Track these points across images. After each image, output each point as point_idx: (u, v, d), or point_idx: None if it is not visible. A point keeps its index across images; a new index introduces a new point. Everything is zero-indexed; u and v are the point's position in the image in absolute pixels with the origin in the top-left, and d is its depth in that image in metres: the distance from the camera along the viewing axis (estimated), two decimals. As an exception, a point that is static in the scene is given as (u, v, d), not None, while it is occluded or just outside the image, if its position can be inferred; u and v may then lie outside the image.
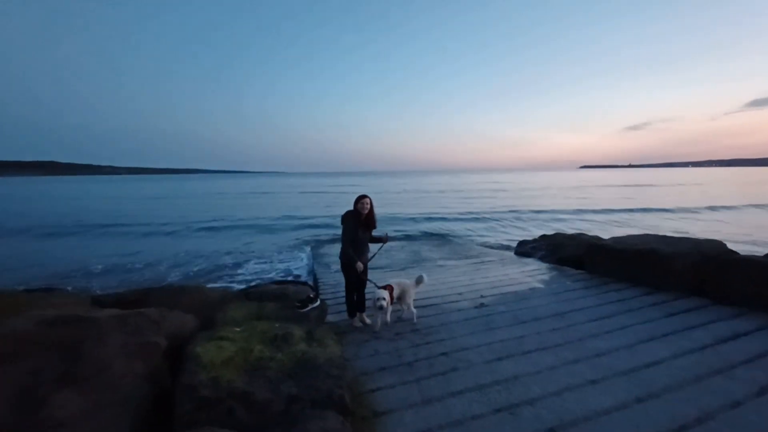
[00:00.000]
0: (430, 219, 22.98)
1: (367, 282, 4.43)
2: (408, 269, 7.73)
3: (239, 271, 10.89)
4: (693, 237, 6.82)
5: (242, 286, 7.21)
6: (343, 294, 4.59)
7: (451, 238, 15.60)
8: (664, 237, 7.00)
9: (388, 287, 4.34)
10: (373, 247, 4.59)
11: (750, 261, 4.86)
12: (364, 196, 4.31)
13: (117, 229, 20.08)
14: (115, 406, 2.41)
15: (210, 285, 8.13)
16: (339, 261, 4.44)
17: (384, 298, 4.13)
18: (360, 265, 4.25)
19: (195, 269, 11.19)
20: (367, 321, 4.53)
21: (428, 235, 16.32)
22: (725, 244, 6.09)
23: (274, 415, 2.38)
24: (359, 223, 4.28)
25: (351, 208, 4.32)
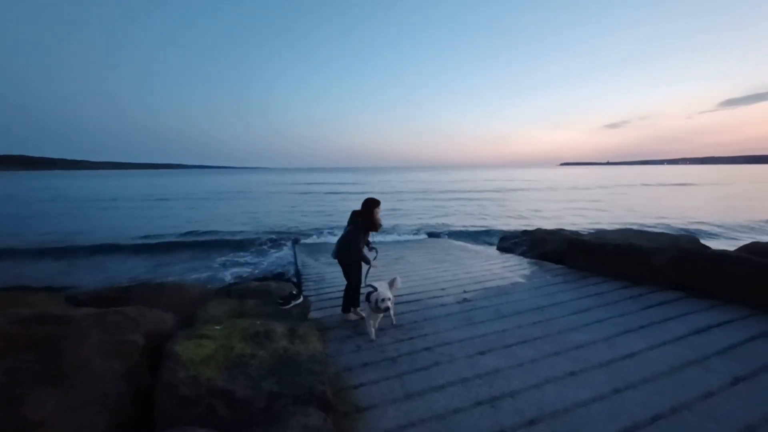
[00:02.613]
0: (414, 215, 23.06)
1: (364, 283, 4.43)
2: (391, 265, 7.73)
3: (220, 269, 10.68)
4: (669, 233, 7.03)
5: (223, 284, 7.10)
6: (328, 290, 4.59)
7: (434, 234, 15.69)
8: (642, 232, 7.20)
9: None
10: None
11: (722, 255, 5.04)
12: (377, 203, 4.41)
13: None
14: (93, 405, 2.38)
15: (190, 283, 7.97)
16: (344, 258, 4.45)
17: (390, 299, 3.90)
18: (375, 263, 4.49)
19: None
20: (363, 314, 4.55)
21: (412, 231, 16.38)
22: (699, 239, 6.30)
23: (256, 412, 2.35)
24: (369, 229, 4.45)
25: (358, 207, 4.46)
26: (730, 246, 6.37)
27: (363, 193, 40.12)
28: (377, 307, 3.83)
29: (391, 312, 3.97)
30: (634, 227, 10.44)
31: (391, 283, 4.45)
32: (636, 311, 4.55)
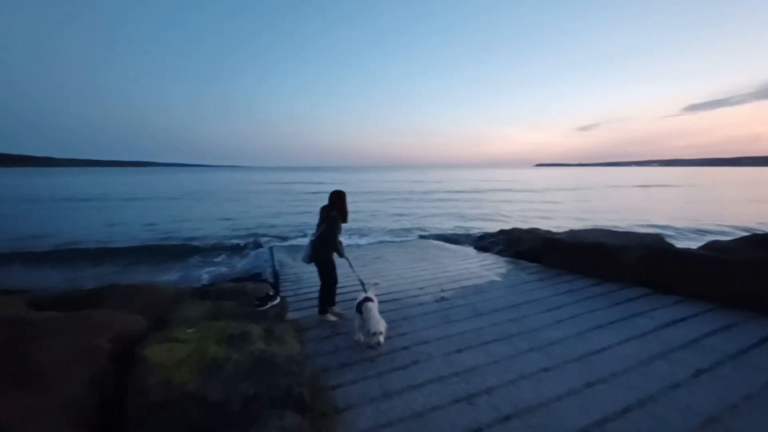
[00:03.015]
0: (393, 215, 23.12)
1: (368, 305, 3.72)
2: (369, 265, 7.73)
3: (195, 270, 10.36)
4: (637, 232, 7.31)
5: (198, 285, 6.90)
6: (305, 290, 4.53)
7: (413, 233, 15.78)
8: (612, 231, 7.47)
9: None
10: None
11: (686, 253, 5.29)
12: (345, 195, 4.38)
13: None
14: (58, 412, 2.29)
15: (163, 284, 7.70)
16: (320, 257, 4.35)
17: (382, 332, 3.45)
18: (347, 256, 4.46)
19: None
20: (339, 312, 4.58)
21: (391, 231, 16.42)
22: (664, 238, 6.58)
23: (231, 415, 2.29)
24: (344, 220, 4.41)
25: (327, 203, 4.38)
26: (693, 244, 6.68)
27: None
28: (367, 335, 3.46)
29: (381, 340, 3.44)
30: (605, 227, 10.82)
31: (373, 289, 4.32)
32: (606, 307, 4.70)
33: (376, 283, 4.48)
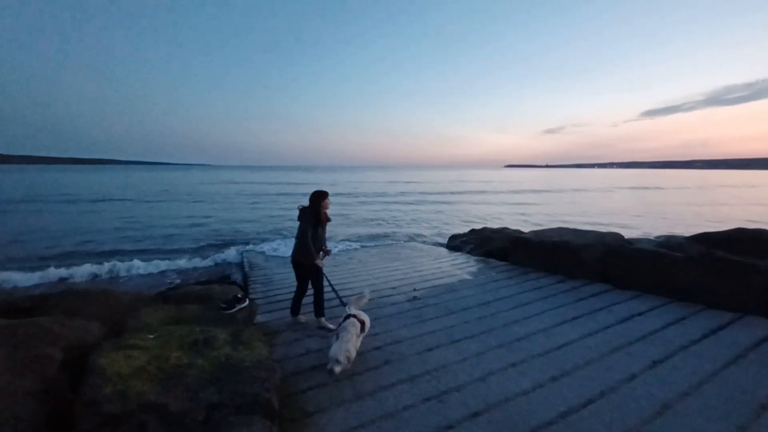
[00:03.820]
0: (367, 216, 23.08)
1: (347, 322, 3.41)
2: (342, 266, 7.67)
3: (156, 273, 9.84)
4: (598, 230, 7.65)
5: (159, 289, 6.60)
6: (276, 292, 4.41)
7: (385, 234, 15.82)
8: (575, 230, 7.77)
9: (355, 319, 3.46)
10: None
11: (642, 250, 5.58)
12: (325, 195, 4.17)
13: None
14: (3, 428, 2.09)
15: (121, 289, 7.30)
16: (291, 258, 4.23)
17: (341, 359, 2.97)
18: (321, 262, 4.16)
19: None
20: (330, 326, 4.12)
21: (364, 233, 16.38)
22: (623, 236, 6.92)
23: (193, 425, 2.19)
24: (319, 222, 4.17)
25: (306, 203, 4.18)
26: (650, 242, 7.05)
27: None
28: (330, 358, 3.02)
29: (336, 370, 2.94)
30: (569, 226, 11.25)
31: (359, 301, 3.98)
32: (570, 303, 4.89)
33: (362, 296, 4.08)
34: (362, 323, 3.50)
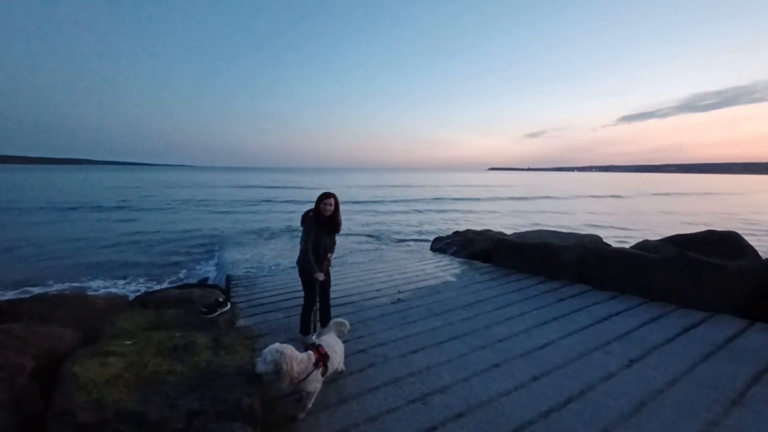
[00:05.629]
0: (353, 218, 22.99)
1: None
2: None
3: (133, 277, 9.58)
4: (578, 232, 7.83)
5: (137, 293, 6.41)
6: (259, 296, 4.32)
7: (370, 236, 15.80)
8: (555, 232, 7.94)
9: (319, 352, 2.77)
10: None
11: (620, 252, 5.73)
12: (328, 195, 3.76)
13: None
14: None
15: (96, 293, 7.06)
16: (296, 267, 3.89)
17: (266, 360, 2.43)
18: (321, 275, 3.72)
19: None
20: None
21: (351, 236, 16.32)
22: (602, 238, 7.10)
23: (173, 433, 2.14)
24: (322, 225, 3.78)
25: (312, 207, 3.85)
26: (627, 244, 7.26)
27: (302, 198, 38.99)
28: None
29: (259, 368, 2.44)
30: (549, 228, 11.47)
31: (338, 327, 3.32)
32: (551, 304, 4.99)
33: (342, 323, 3.35)
34: (324, 359, 2.73)
